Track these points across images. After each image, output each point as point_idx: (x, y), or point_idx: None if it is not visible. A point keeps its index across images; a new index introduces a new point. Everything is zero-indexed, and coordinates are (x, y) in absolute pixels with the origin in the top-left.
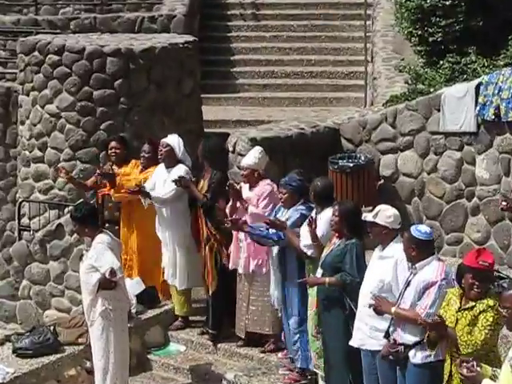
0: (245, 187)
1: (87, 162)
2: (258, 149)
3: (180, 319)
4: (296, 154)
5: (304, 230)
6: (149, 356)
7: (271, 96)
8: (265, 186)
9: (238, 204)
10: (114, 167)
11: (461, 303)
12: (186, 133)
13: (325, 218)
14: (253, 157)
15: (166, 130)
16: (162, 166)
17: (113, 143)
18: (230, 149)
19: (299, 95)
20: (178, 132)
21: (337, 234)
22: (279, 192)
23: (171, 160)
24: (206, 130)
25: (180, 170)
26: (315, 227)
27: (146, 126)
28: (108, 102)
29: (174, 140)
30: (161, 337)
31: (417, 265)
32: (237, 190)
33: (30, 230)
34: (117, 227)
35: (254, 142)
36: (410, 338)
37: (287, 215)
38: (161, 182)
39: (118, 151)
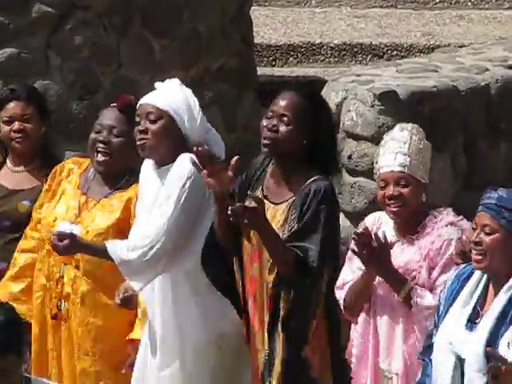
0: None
1: None
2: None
3: None
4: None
5: None
6: None
7: None
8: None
9: None
10: (14, 167)
11: None
12: (212, 76)
13: None
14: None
15: (162, 72)
16: (148, 163)
17: (12, 107)
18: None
19: None
20: (193, 77)
21: None
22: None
23: (166, 145)
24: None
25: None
26: None
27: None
28: None
29: (172, 95)
30: None
31: None
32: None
33: None
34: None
35: (386, 100)
36: None
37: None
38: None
39: (25, 126)
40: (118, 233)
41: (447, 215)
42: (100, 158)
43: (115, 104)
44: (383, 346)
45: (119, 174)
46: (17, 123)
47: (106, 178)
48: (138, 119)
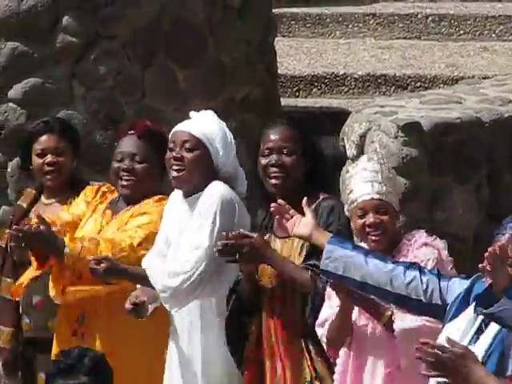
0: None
1: None
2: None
3: None
4: None
5: None
6: None
7: None
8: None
9: None
10: (46, 200)
11: None
12: (237, 106)
13: None
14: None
15: (186, 101)
16: (177, 194)
17: (45, 140)
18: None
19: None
20: (217, 106)
21: None
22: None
23: (198, 175)
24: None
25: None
26: None
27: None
28: None
29: (208, 126)
30: None
31: None
32: None
33: None
34: None
35: (410, 131)
36: None
37: None
38: (177, 233)
39: (58, 160)
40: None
41: (420, 237)
42: (125, 182)
43: (133, 131)
44: (366, 379)
45: (139, 198)
46: (50, 156)
47: (130, 203)
48: (171, 145)
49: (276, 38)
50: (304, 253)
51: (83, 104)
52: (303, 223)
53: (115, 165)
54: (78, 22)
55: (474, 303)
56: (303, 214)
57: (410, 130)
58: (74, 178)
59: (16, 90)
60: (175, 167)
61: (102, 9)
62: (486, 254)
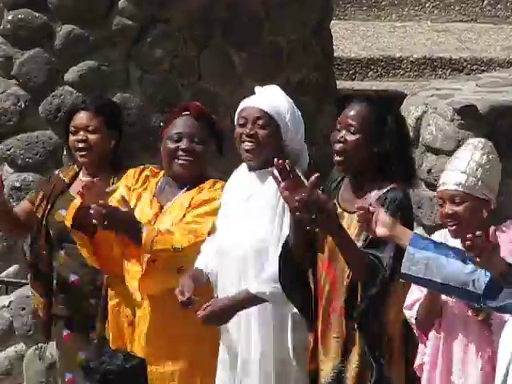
0: None
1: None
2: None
3: None
4: None
5: None
6: None
7: None
8: None
9: None
10: (83, 178)
11: None
12: (293, 89)
13: None
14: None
15: (242, 84)
16: (241, 169)
17: (77, 117)
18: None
19: None
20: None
21: None
22: None
23: (269, 151)
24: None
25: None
26: None
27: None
28: None
29: (279, 102)
30: None
31: None
32: None
33: None
34: None
35: (466, 114)
36: None
37: None
38: (243, 201)
39: (88, 137)
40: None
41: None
42: (183, 161)
43: (188, 112)
44: (456, 363)
45: (196, 180)
46: (81, 133)
47: (183, 182)
48: (242, 121)
49: (332, 21)
50: (362, 236)
51: (139, 87)
52: (381, 223)
53: (171, 145)
54: (133, 4)
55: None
56: (363, 193)
57: (467, 112)
58: (116, 158)
59: (72, 73)
60: (248, 143)
61: None
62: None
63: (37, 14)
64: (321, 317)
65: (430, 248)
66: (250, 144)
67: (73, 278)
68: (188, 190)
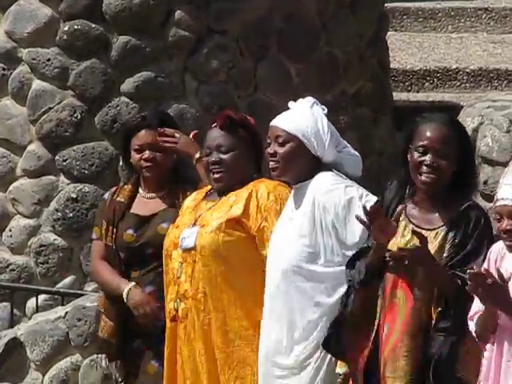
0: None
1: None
2: None
3: None
4: None
5: None
6: None
7: None
8: None
9: None
10: (146, 194)
11: None
12: (349, 100)
13: None
14: None
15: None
16: None
17: (142, 135)
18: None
19: None
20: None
21: None
22: None
23: (297, 166)
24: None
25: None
26: None
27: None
28: None
29: (299, 118)
30: None
31: None
32: None
33: None
34: None
35: None
36: None
37: None
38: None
39: (155, 155)
40: (235, 225)
41: None
42: (216, 175)
43: (215, 124)
44: (503, 376)
45: (238, 185)
46: (147, 152)
47: (225, 192)
48: (268, 141)
49: (388, 33)
50: (446, 253)
51: (196, 98)
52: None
53: (205, 159)
54: (190, 16)
55: None
56: (443, 212)
57: None
58: (177, 172)
59: (128, 84)
60: (271, 162)
61: (215, 3)
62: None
63: (93, 25)
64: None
65: None
66: (272, 163)
67: (148, 289)
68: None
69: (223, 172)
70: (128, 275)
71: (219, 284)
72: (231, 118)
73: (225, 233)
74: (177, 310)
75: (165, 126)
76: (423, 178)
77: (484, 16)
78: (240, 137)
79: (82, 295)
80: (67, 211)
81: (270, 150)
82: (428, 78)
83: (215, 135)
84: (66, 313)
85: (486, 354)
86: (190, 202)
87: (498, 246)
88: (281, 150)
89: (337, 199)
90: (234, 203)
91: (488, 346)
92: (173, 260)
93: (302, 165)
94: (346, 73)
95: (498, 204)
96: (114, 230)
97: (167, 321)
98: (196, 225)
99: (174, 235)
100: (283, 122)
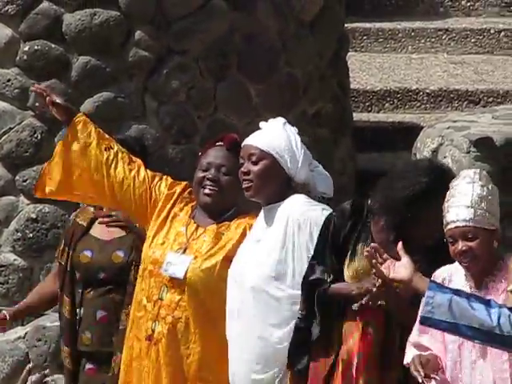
0: None
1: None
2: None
3: None
4: None
5: None
6: None
7: None
8: None
9: None
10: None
11: None
12: (309, 121)
13: None
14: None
15: (258, 116)
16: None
17: None
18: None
19: None
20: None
21: None
22: None
23: (270, 185)
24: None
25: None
26: None
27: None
28: None
29: (273, 136)
30: None
31: None
32: None
33: None
34: None
35: (482, 146)
36: None
37: None
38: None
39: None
40: (229, 264)
41: None
42: (208, 191)
43: (222, 143)
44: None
45: (224, 210)
46: None
47: (211, 212)
48: (241, 161)
49: (348, 53)
50: None
51: (156, 118)
52: (402, 266)
53: (200, 174)
54: (150, 36)
55: None
56: None
57: (483, 145)
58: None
59: (88, 104)
60: (244, 181)
61: (175, 23)
62: None
63: (53, 45)
64: None
65: (448, 292)
66: (245, 182)
67: (100, 314)
68: (226, 220)
69: (216, 191)
70: (82, 294)
71: (205, 318)
72: (238, 141)
73: (218, 275)
74: (153, 331)
75: (143, 152)
76: None
77: (444, 37)
78: (240, 163)
79: (42, 315)
80: (27, 231)
81: (243, 169)
82: (388, 99)
83: (219, 154)
84: (26, 333)
85: (449, 354)
86: (178, 208)
87: (446, 270)
88: (255, 168)
89: (313, 220)
90: (227, 240)
91: (450, 347)
92: (155, 279)
93: (275, 184)
94: (306, 93)
95: (448, 227)
96: (70, 251)
97: (143, 340)
98: (186, 253)
99: (160, 253)
100: (256, 140)
